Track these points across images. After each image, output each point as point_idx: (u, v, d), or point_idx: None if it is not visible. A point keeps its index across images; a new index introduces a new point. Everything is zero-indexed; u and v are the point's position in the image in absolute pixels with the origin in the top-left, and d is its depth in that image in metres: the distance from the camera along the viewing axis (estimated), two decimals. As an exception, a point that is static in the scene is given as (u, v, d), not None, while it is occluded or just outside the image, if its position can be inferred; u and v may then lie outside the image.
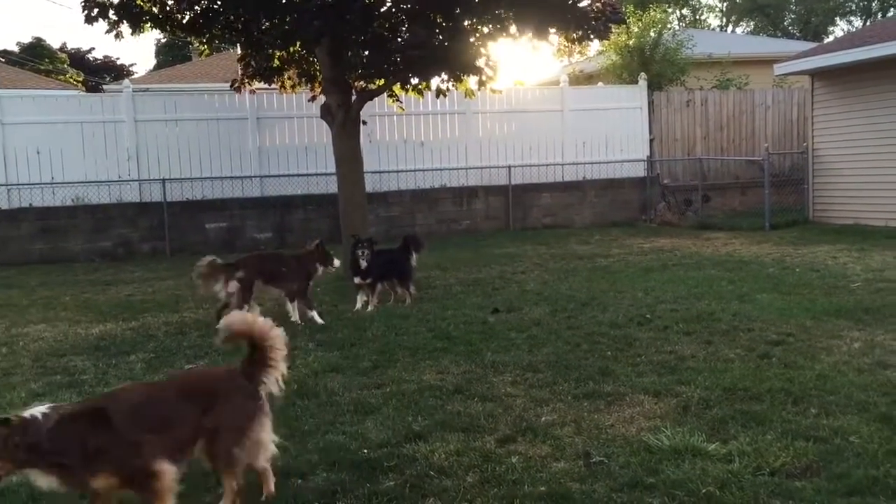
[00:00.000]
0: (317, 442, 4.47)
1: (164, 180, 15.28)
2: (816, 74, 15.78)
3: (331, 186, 14.69)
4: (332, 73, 10.66)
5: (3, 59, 38.13)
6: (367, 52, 10.45)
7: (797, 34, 39.32)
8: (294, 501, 3.69)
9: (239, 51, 14.00)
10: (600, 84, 20.34)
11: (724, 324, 7.08)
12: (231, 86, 12.68)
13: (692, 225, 16.49)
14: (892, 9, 39.30)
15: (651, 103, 18.39)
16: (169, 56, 42.10)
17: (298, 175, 16.26)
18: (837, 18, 42.52)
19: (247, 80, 12.27)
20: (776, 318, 7.17)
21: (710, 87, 20.46)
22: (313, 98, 12.55)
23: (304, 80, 12.14)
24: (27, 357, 6.88)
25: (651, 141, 18.38)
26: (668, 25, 22.61)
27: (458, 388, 5.44)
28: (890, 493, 3.45)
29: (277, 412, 5.00)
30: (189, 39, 14.34)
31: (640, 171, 18.17)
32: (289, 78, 12.14)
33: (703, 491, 3.55)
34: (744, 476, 3.71)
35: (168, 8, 11.00)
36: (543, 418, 4.76)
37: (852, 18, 42.61)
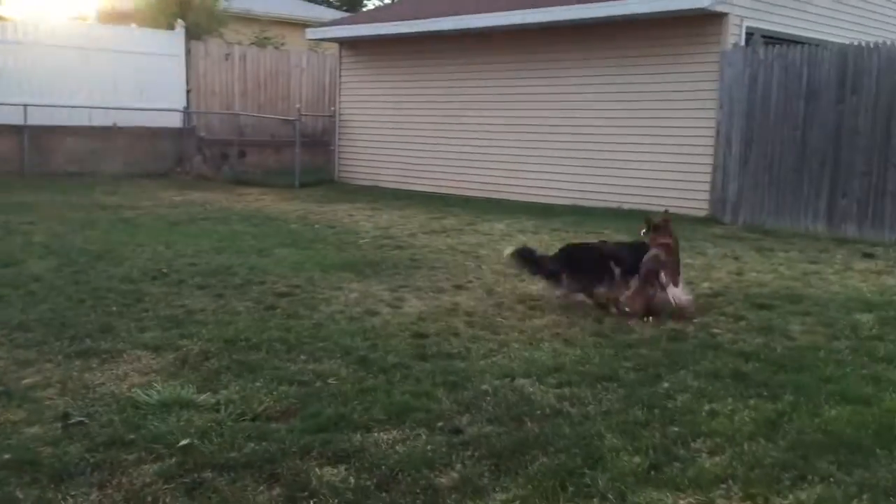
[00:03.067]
0: None
1: None
2: (344, 43, 16.89)
3: None
4: None
5: None
6: None
7: (336, 3, 41.55)
8: None
9: None
10: (134, 25, 19.21)
11: (239, 278, 7.23)
12: None
13: (228, 180, 16.57)
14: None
15: (188, 53, 17.92)
16: None
17: None
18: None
19: None
20: (289, 272, 7.52)
21: (248, 44, 20.62)
22: None
23: None
24: None
25: (188, 92, 17.95)
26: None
27: (-77, 354, 4.74)
28: (353, 427, 3.84)
29: None
30: None
31: (176, 121, 17.66)
32: None
33: (183, 442, 3.58)
34: (226, 423, 3.82)
35: None
36: (25, 381, 4.37)
37: (384, -5, 46.36)
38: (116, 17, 20.66)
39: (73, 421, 3.81)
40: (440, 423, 3.93)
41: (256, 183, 16.24)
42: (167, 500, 3.12)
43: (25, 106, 15.25)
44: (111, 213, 11.28)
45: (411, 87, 15.77)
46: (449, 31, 14.56)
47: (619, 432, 3.84)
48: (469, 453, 3.59)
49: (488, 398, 4.31)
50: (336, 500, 3.16)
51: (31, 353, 4.87)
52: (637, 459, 3.53)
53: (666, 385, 4.57)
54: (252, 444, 3.59)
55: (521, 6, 13.70)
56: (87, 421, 3.82)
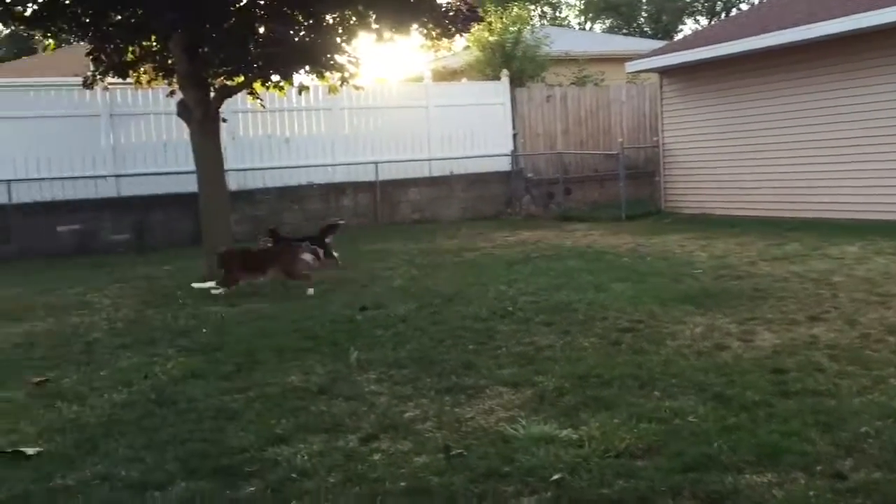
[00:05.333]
0: (176, 451, 4.38)
1: (8, 182, 14.42)
2: (664, 72, 16.66)
3: (194, 185, 14.29)
4: (188, 68, 10.36)
5: None
6: (224, 48, 10.19)
7: (650, 32, 41.21)
8: (151, 514, 3.62)
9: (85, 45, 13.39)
10: (464, 80, 20.69)
11: (580, 314, 7.39)
12: (83, 83, 12.07)
13: (555, 217, 17.06)
14: (734, 9, 41.85)
15: (513, 99, 18.86)
16: (14, 48, 39.52)
17: (157, 174, 15.70)
18: (686, 17, 44.88)
19: (98, 76, 11.73)
20: (628, 306, 7.54)
21: (568, 84, 21.18)
22: (172, 94, 12.16)
23: (161, 74, 11.73)
24: None
25: (514, 136, 18.85)
26: (530, 23, 23.18)
27: (323, 389, 5.44)
28: (721, 467, 3.73)
29: (135, 422, 4.91)
30: (31, 32, 13.55)
31: (504, 165, 18.61)
32: (144, 72, 11.70)
33: (555, 476, 3.73)
34: (592, 459, 3.91)
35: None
36: (406, 414, 4.84)
37: (699, 17, 45.10)
38: (447, 75, 22.43)
39: (453, 453, 4.14)
40: (819, 467, 3.67)
41: (583, 218, 16.52)
42: (547, 532, 3.27)
43: (376, 163, 17.08)
44: (454, 256, 12.13)
45: (737, 108, 15.09)
46: (770, 47, 13.77)
47: None
48: (859, 501, 3.31)
49: (871, 440, 3.94)
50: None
51: (408, 388, 5.38)
52: None
53: None
54: (621, 482, 3.64)
55: (846, 12, 12.56)
56: (465, 453, 4.13)
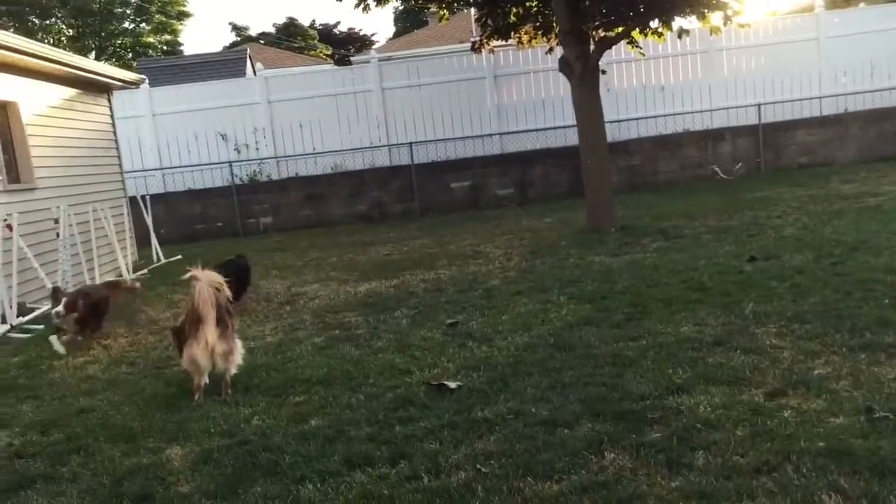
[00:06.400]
0: (578, 393, 4.58)
1: (410, 144, 16.07)
2: None
3: (569, 139, 14.68)
4: (569, 24, 10.58)
5: (263, 41, 41.75)
6: (605, 1, 10.24)
7: None
8: (563, 449, 3.83)
9: (473, 11, 14.36)
10: (862, 4, 18.41)
11: None
12: (471, 47, 13.01)
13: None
14: None
15: (924, 19, 16.38)
16: (406, 22, 43.80)
17: (536, 130, 16.39)
18: None
19: (485, 40, 12.53)
20: None
21: None
22: (550, 50, 12.56)
23: (540, 33, 12.18)
24: (308, 314, 7.63)
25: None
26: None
27: (718, 341, 5.29)
28: None
29: (538, 363, 5.23)
30: (427, 6, 14.84)
31: (915, 96, 16.32)
32: (526, 33, 12.24)
33: None
34: None
35: (409, -22, 11.49)
36: (816, 371, 4.52)
37: None
38: (840, 2, 20.15)
39: (877, 416, 3.78)
40: None
41: None
42: None
43: (759, 105, 15.99)
44: (853, 202, 10.97)
45: None
46: None
47: None
48: None
49: None
50: None
51: (814, 344, 5.01)
52: None
53: None
54: None
55: None
56: (891, 417, 3.75)
